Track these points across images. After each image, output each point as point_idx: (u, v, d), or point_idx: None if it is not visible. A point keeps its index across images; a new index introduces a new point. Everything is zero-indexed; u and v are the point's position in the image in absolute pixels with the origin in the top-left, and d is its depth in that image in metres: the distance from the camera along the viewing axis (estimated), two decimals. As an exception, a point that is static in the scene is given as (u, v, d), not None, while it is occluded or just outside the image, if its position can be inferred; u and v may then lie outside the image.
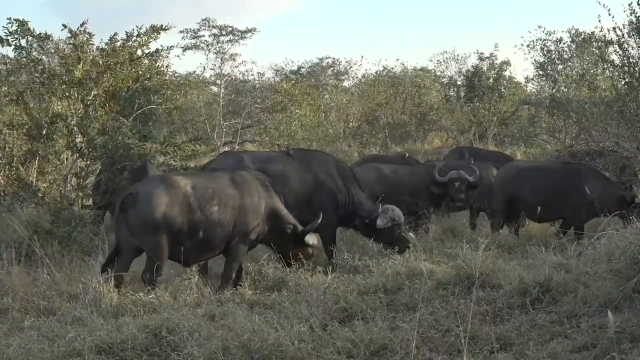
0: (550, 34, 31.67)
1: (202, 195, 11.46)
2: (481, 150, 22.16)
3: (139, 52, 16.11)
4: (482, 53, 37.09)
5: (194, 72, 33.54)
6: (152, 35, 15.89)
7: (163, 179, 11.75)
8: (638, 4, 15.95)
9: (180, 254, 11.35)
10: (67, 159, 14.94)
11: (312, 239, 12.39)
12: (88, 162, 14.52)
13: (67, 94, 15.01)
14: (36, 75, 15.43)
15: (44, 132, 14.33)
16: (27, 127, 14.49)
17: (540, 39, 31.84)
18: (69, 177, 14.80)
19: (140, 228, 11.18)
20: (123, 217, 11.30)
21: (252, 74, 34.19)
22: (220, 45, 30.52)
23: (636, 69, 15.97)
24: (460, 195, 16.42)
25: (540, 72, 33.11)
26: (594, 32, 25.75)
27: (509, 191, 15.33)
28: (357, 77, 41.96)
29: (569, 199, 14.32)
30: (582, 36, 30.53)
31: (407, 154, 18.90)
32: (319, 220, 12.44)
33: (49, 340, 9.19)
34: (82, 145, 14.40)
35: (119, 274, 11.07)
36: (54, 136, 14.44)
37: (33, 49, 15.88)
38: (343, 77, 42.60)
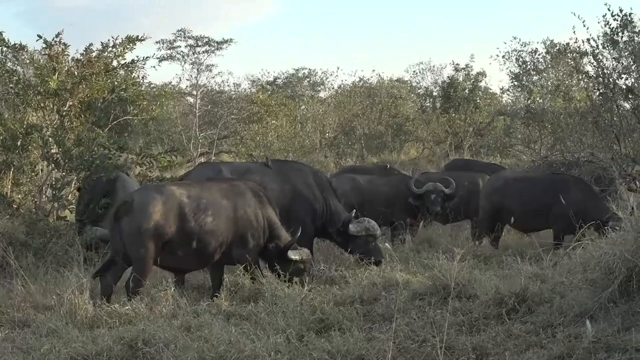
0: (525, 45, 31.84)
1: (197, 206, 11.48)
2: (478, 162, 22.17)
3: (115, 63, 16.08)
4: (457, 64, 37.38)
5: (170, 82, 33.55)
6: (128, 46, 15.85)
7: (158, 188, 11.77)
8: (612, 16, 16.05)
9: (174, 263, 11.50)
10: (42, 170, 14.86)
11: (297, 254, 12.28)
12: (64, 173, 14.45)
13: (42, 104, 14.97)
14: (11, 86, 15.37)
15: (18, 143, 14.24)
16: (1, 138, 14.41)
17: (516, 50, 32.02)
18: (44, 188, 14.72)
19: (131, 236, 11.19)
20: (118, 225, 11.31)
21: (228, 85, 34.26)
22: (196, 56, 30.57)
23: (610, 80, 16.06)
24: (436, 208, 16.47)
25: (516, 83, 33.27)
26: (568, 43, 25.96)
27: (495, 202, 15.35)
28: (333, 88, 42.12)
29: (555, 209, 14.29)
30: (557, 47, 30.72)
31: (388, 165, 18.90)
32: (297, 236, 12.47)
33: (24, 352, 9.15)
34: (58, 156, 14.34)
35: (109, 285, 11.17)
36: (29, 147, 14.37)
37: (8, 60, 15.82)
38: (319, 88, 42.72)
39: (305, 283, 11.29)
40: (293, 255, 12.22)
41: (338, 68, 48.07)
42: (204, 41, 30.35)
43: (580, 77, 20.34)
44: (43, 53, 15.83)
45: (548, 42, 31.83)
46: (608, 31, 16.25)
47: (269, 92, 35.30)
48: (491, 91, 38.22)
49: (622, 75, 16.18)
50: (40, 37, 15.20)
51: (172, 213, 11.29)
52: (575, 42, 17.34)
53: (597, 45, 16.35)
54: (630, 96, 15.57)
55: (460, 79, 37.23)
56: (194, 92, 31.78)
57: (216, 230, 11.60)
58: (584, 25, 16.00)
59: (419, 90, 39.79)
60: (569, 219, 12.88)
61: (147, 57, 16.66)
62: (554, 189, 14.61)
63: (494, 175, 16.77)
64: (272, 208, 12.40)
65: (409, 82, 40.06)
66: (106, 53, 15.80)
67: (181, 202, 11.38)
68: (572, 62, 22.74)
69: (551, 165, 17.64)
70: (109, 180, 14.43)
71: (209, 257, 11.75)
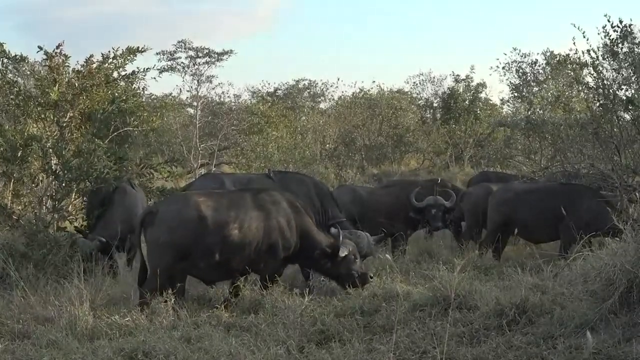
0: (525, 56, 31.82)
1: (223, 218, 11.46)
2: (505, 174, 22.03)
3: (115, 74, 16.07)
4: (458, 75, 37.40)
5: (171, 94, 33.51)
6: (129, 57, 15.85)
7: (184, 199, 11.82)
8: (612, 27, 16.06)
9: (197, 274, 11.70)
10: (42, 181, 14.85)
11: (344, 250, 12.28)
12: (63, 185, 14.45)
13: (42, 116, 14.96)
14: (11, 97, 15.36)
15: (19, 154, 14.23)
16: (2, 149, 14.40)
17: (516, 61, 31.99)
18: (44, 199, 14.71)
19: (151, 246, 11.37)
20: (143, 234, 11.49)
21: (228, 96, 34.21)
22: (196, 67, 30.54)
23: (610, 91, 16.05)
24: (437, 224, 16.36)
25: (516, 94, 33.25)
26: (568, 54, 25.94)
27: (505, 213, 15.27)
28: (333, 99, 42.12)
29: (566, 219, 14.17)
30: (557, 58, 30.60)
31: (440, 179, 18.81)
32: (339, 229, 12.65)
33: (24, 364, 9.14)
34: (57, 167, 14.33)
35: (144, 300, 11.23)
36: (29, 158, 14.36)
37: (8, 71, 15.83)
38: (319, 99, 42.72)
39: (305, 294, 11.29)
40: (343, 252, 12.19)
41: (338, 79, 48.30)
42: (204, 52, 30.34)
43: (580, 88, 20.30)
44: (44, 64, 15.84)
45: (548, 53, 31.83)
46: (608, 42, 16.25)
47: (270, 103, 35.27)
48: (491, 102, 38.24)
49: (622, 87, 16.17)
50: (41, 48, 15.20)
51: (194, 225, 11.32)
52: (575, 53, 17.32)
53: (597, 57, 16.35)
54: (630, 107, 15.56)
55: (461, 90, 37.25)
56: (195, 103, 31.77)
57: (243, 242, 11.55)
58: (584, 37, 16.00)
59: (419, 102, 39.80)
60: (580, 229, 12.84)
61: (147, 69, 16.65)
62: (565, 200, 14.53)
63: (502, 187, 16.65)
64: (307, 216, 12.35)
65: (409, 93, 40.07)
66: (107, 64, 15.78)
67: (205, 214, 11.38)
68: (572, 73, 22.69)
69: (553, 175, 17.59)
70: (107, 191, 14.46)
71: (235, 269, 11.73)
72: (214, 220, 11.39)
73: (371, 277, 12.36)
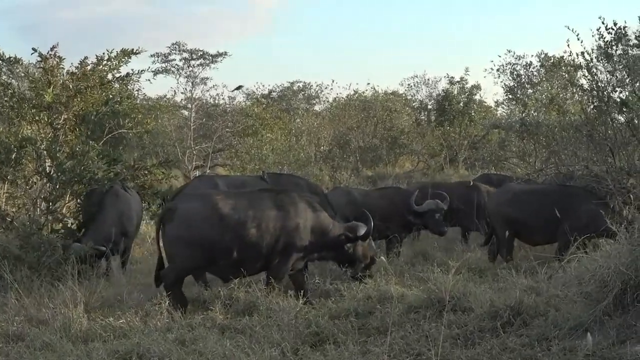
0: (519, 59, 31.90)
1: (241, 216, 11.62)
2: (506, 176, 21.99)
3: (110, 76, 16.07)
4: (452, 77, 37.47)
5: (165, 95, 33.46)
6: (123, 59, 15.85)
7: (203, 197, 11.98)
8: (606, 29, 16.07)
9: (215, 271, 11.88)
10: (36, 183, 14.84)
11: (362, 228, 12.68)
12: (57, 187, 14.43)
13: (36, 118, 14.95)
14: (5, 99, 15.36)
15: (13, 156, 14.22)
16: (-5, 151, 14.38)
17: (510, 64, 32.05)
18: (38, 201, 14.69)
19: (173, 242, 11.52)
20: (163, 231, 11.65)
21: (223, 98, 34.19)
22: (191, 69, 30.53)
23: (605, 93, 16.04)
24: (442, 229, 16.21)
25: (510, 96, 33.30)
26: (563, 56, 26.01)
27: (505, 214, 15.19)
28: (328, 101, 42.15)
29: (566, 221, 14.14)
30: (552, 60, 30.75)
31: (471, 182, 18.76)
32: (371, 223, 12.79)
33: (18, 366, 9.12)
34: (51, 169, 14.32)
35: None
36: (23, 160, 14.35)
37: (2, 73, 15.82)
38: (314, 101, 42.76)
39: (300, 296, 11.29)
40: (361, 230, 12.55)
41: (333, 81, 48.18)
42: (199, 54, 30.34)
43: (574, 91, 20.35)
44: (38, 66, 15.83)
45: (542, 56, 31.89)
46: (602, 44, 16.25)
47: (264, 105, 35.27)
48: (486, 104, 38.31)
49: (617, 89, 16.17)
50: (35, 50, 15.19)
51: (212, 223, 11.48)
52: (570, 55, 17.34)
53: (592, 59, 16.36)
54: (624, 109, 15.55)
55: (455, 92, 37.30)
56: (189, 105, 31.75)
57: (260, 241, 11.70)
58: (578, 39, 16.00)
59: (413, 104, 39.85)
60: (580, 231, 12.81)
61: (142, 71, 16.66)
62: (564, 201, 14.51)
63: (501, 188, 16.60)
64: (325, 213, 12.55)
65: (403, 95, 40.12)
66: (101, 66, 15.79)
67: (224, 213, 11.55)
68: (567, 76, 22.76)
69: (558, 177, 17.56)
70: (99, 193, 14.44)
71: (252, 267, 11.89)
72: (232, 218, 11.56)
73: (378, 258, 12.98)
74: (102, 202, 14.48)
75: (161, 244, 11.95)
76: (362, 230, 12.57)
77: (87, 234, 14.03)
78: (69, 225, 14.45)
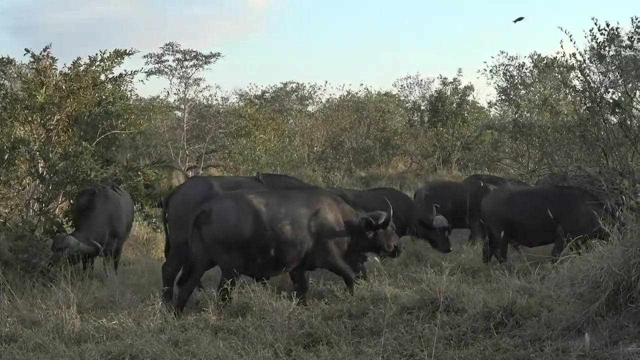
0: (512, 59, 31.96)
1: (275, 215, 11.74)
2: (497, 177, 21.97)
3: (103, 77, 16.02)
4: (445, 78, 37.48)
5: (158, 96, 33.46)
6: (116, 60, 15.80)
7: (237, 197, 12.05)
8: (599, 30, 16.11)
9: (253, 269, 11.88)
10: (28, 184, 14.81)
11: (382, 217, 12.81)
12: (50, 188, 14.41)
13: (29, 118, 14.90)
14: (-2, 100, 15.30)
15: (5, 157, 14.19)
16: (-12, 152, 14.33)
17: (503, 64, 32.11)
18: (31, 202, 14.67)
19: (213, 245, 11.58)
20: (197, 233, 11.65)
21: (216, 99, 34.17)
22: (184, 70, 30.53)
23: (597, 94, 16.09)
24: (449, 247, 15.74)
25: (503, 97, 33.36)
26: (556, 57, 26.06)
27: (501, 215, 15.16)
28: (321, 102, 42.17)
29: (563, 221, 14.11)
30: (545, 61, 30.80)
31: (482, 183, 18.69)
32: (390, 210, 12.95)
33: (10, 367, 9.11)
34: (44, 170, 14.30)
35: (183, 299, 11.74)
36: (16, 161, 14.33)
37: (-5, 74, 15.79)
38: (307, 102, 42.76)
39: (293, 297, 11.29)
40: (381, 218, 12.70)
41: (326, 82, 48.10)
42: (192, 55, 30.33)
43: (567, 91, 20.41)
44: (30, 67, 15.79)
45: (535, 57, 31.94)
46: (595, 45, 16.30)
47: (257, 106, 35.25)
48: (479, 105, 38.34)
49: (609, 90, 16.21)
50: (27, 51, 15.14)
51: (248, 222, 11.58)
52: (563, 56, 17.41)
53: (584, 60, 16.39)
54: (617, 110, 15.58)
55: (448, 93, 37.33)
56: (182, 106, 31.74)
57: (295, 238, 11.81)
58: (571, 40, 16.04)
59: (406, 104, 39.88)
60: (576, 232, 12.82)
61: (135, 71, 16.61)
62: (560, 202, 14.50)
63: (497, 188, 16.56)
64: (348, 206, 12.74)
65: (396, 96, 40.11)
66: (94, 67, 15.74)
67: (258, 211, 11.65)
68: (560, 76, 22.80)
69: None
70: (90, 194, 14.41)
71: (288, 265, 11.97)
72: (267, 216, 11.69)
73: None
74: (91, 204, 14.45)
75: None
76: (382, 218, 12.69)
77: (78, 235, 13.98)
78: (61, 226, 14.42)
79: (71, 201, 15.00)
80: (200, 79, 31.10)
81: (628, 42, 16.15)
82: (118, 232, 14.63)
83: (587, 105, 16.54)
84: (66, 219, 14.82)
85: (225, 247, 11.55)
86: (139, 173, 15.46)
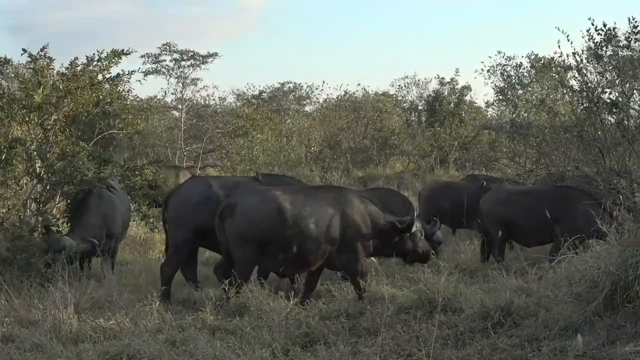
0: (510, 60, 31.91)
1: (299, 212, 11.76)
2: (494, 178, 21.92)
3: (100, 77, 15.99)
4: (443, 78, 37.46)
5: (155, 96, 33.43)
6: (113, 60, 15.77)
7: (262, 193, 12.16)
8: (596, 30, 16.12)
9: (274, 265, 11.94)
10: (26, 184, 14.80)
11: (416, 224, 12.88)
12: (47, 187, 14.39)
13: (26, 118, 14.88)
14: (-5, 100, 15.27)
15: (3, 157, 14.17)
16: (-15, 152, 14.31)
17: (500, 64, 32.07)
18: (28, 202, 14.65)
19: (233, 238, 11.67)
20: (222, 226, 11.79)
21: (213, 99, 34.17)
22: (181, 70, 30.53)
23: (594, 94, 16.10)
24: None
25: (501, 97, 33.34)
26: (553, 57, 26.03)
27: (500, 215, 15.14)
28: (318, 102, 42.12)
29: (561, 222, 14.10)
30: (542, 61, 30.79)
31: (484, 182, 18.62)
32: (414, 213, 13.08)
33: (8, 367, 9.10)
34: (42, 170, 14.29)
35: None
36: (13, 161, 14.31)
37: (-8, 74, 15.76)
38: (305, 102, 42.72)
39: (291, 297, 11.28)
40: (415, 226, 12.75)
41: (324, 82, 48.03)
42: (189, 55, 30.32)
43: (564, 91, 20.41)
44: (28, 67, 15.77)
45: (533, 57, 31.92)
46: (592, 45, 16.31)
47: (255, 106, 35.23)
48: (476, 105, 38.30)
49: (607, 90, 16.23)
50: (25, 51, 15.12)
51: (272, 218, 11.64)
52: (560, 56, 17.42)
53: (582, 60, 16.41)
54: (614, 110, 15.58)
55: (446, 93, 37.31)
56: (180, 106, 31.73)
57: (319, 237, 11.81)
58: (568, 40, 16.05)
59: (404, 104, 39.87)
60: (574, 232, 12.81)
61: (132, 71, 16.58)
62: (559, 202, 14.50)
63: (496, 188, 16.53)
64: (375, 207, 12.70)
65: (394, 96, 40.09)
66: (91, 67, 15.71)
67: (283, 208, 11.69)
68: (557, 77, 22.77)
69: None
70: (84, 193, 14.37)
71: (311, 263, 11.99)
72: (291, 213, 11.71)
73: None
74: (85, 204, 14.35)
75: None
76: (415, 226, 12.74)
77: (73, 235, 13.88)
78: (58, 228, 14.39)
79: (68, 201, 14.97)
80: (197, 79, 31.11)
81: (625, 42, 16.16)
82: (113, 232, 14.52)
83: (585, 105, 16.54)
84: (64, 219, 14.77)
85: (244, 241, 11.63)
86: (137, 172, 15.43)
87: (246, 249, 11.64)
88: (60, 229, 14.38)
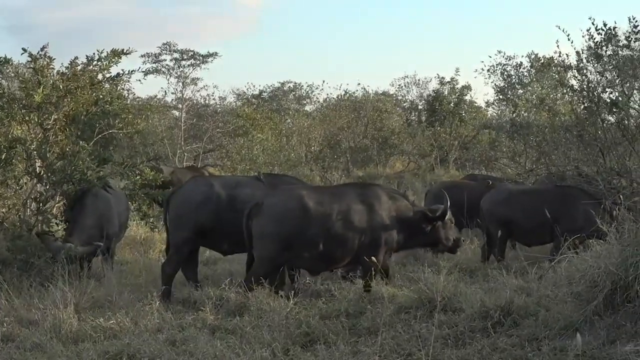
0: (510, 59, 31.98)
1: (326, 211, 11.89)
2: (493, 177, 21.90)
3: (100, 76, 15.99)
4: (443, 77, 37.47)
5: (155, 96, 33.50)
6: (113, 60, 15.76)
7: (289, 192, 12.33)
8: (596, 30, 16.12)
9: (301, 264, 12.21)
10: (26, 183, 14.79)
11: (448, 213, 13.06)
12: (47, 187, 14.39)
13: (26, 118, 14.87)
14: (-5, 99, 15.27)
15: (3, 156, 14.16)
16: (-15, 151, 14.29)
17: (501, 64, 32.14)
18: (28, 202, 14.65)
19: (257, 237, 11.86)
20: (248, 224, 11.94)
21: (213, 98, 34.23)
22: (181, 69, 30.60)
23: (595, 93, 16.10)
24: None
25: (501, 97, 33.40)
26: (553, 57, 26.04)
27: (500, 214, 15.13)
28: (318, 102, 42.15)
29: (562, 221, 14.10)
30: (542, 61, 30.82)
31: (490, 182, 18.59)
32: (447, 202, 13.07)
33: (8, 367, 9.10)
34: (41, 170, 14.29)
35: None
36: (13, 161, 14.31)
37: (-8, 73, 15.76)
38: (305, 102, 42.76)
39: (291, 297, 11.29)
40: (440, 210, 12.86)
41: (323, 81, 48.09)
42: (189, 55, 30.39)
43: (565, 91, 20.38)
44: (28, 66, 15.77)
45: (533, 56, 31.98)
46: (592, 45, 16.31)
47: (255, 106, 35.28)
48: (476, 105, 38.30)
49: (607, 89, 16.23)
50: (25, 50, 15.12)
51: (298, 217, 11.79)
52: (560, 56, 17.41)
53: (582, 59, 16.42)
54: (614, 110, 15.59)
55: (446, 92, 37.30)
56: (180, 106, 31.80)
57: (346, 234, 11.95)
58: (569, 39, 16.06)
59: (404, 104, 39.89)
60: (575, 232, 12.80)
61: (132, 71, 16.56)
62: (560, 202, 14.50)
63: (497, 187, 16.52)
64: (404, 200, 12.84)
65: (394, 95, 40.14)
66: (91, 66, 15.70)
67: (310, 207, 11.83)
68: (557, 76, 22.78)
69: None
70: (80, 193, 14.33)
71: (338, 260, 12.15)
72: (317, 212, 11.85)
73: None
74: (81, 205, 14.27)
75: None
76: (440, 211, 12.84)
77: (71, 237, 13.79)
78: (57, 228, 14.37)
79: (65, 202, 14.93)
80: (197, 79, 31.21)
81: (625, 42, 16.16)
82: (109, 233, 14.38)
83: (585, 104, 16.55)
84: (62, 220, 14.75)
85: (269, 239, 11.79)
86: (136, 170, 15.43)
87: (270, 247, 11.82)
88: (58, 228, 14.36)
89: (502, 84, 32.51)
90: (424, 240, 13.00)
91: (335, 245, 11.93)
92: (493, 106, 36.22)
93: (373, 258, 12.20)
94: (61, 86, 14.95)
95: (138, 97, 31.92)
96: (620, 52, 16.26)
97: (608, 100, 15.75)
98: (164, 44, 30.24)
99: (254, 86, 41.85)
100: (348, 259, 12.18)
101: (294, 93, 42.52)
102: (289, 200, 11.97)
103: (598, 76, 16.48)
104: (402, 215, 12.51)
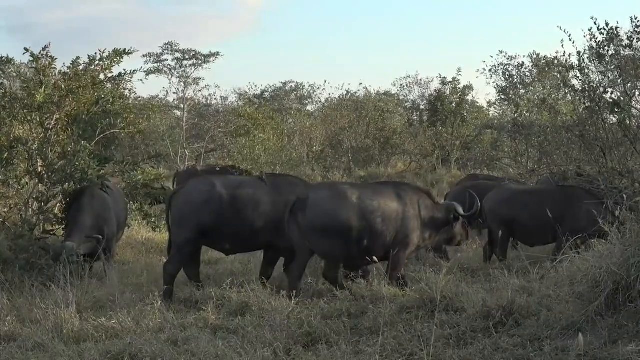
0: (512, 59, 32.01)
1: (368, 207, 12.12)
2: (494, 177, 21.87)
3: (102, 76, 16.00)
4: (444, 78, 37.49)
5: (157, 96, 33.55)
6: (115, 59, 15.77)
7: (332, 187, 12.74)
8: (598, 30, 16.11)
9: (351, 257, 12.25)
10: (27, 183, 14.79)
11: (459, 207, 13.24)
12: (48, 187, 14.39)
13: (28, 118, 14.89)
14: (-3, 99, 15.28)
15: (4, 156, 14.17)
16: (-13, 151, 14.31)
17: (502, 64, 32.16)
18: (30, 201, 14.65)
19: (309, 231, 12.02)
20: (294, 219, 12.09)
21: (215, 98, 34.29)
22: (183, 69, 30.63)
23: (597, 93, 16.08)
24: None
25: (503, 97, 33.42)
26: (555, 57, 26.07)
27: (503, 214, 15.12)
28: (320, 102, 42.22)
29: (566, 222, 14.07)
30: (544, 61, 30.83)
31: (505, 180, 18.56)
32: (478, 202, 13.36)
33: (9, 366, 9.10)
34: (43, 169, 14.29)
35: (294, 285, 12.16)
36: (15, 160, 14.32)
37: (-6, 73, 15.77)
38: (306, 102, 42.81)
39: (292, 296, 11.29)
40: (459, 209, 13.13)
41: (325, 81, 48.12)
42: (191, 54, 30.43)
43: (566, 91, 20.41)
44: (30, 66, 15.78)
45: (534, 56, 31.99)
46: (594, 45, 16.29)
47: (256, 106, 35.32)
48: (478, 105, 38.38)
49: (609, 89, 16.19)
50: (27, 50, 15.13)
51: (342, 211, 11.98)
52: (562, 56, 17.41)
53: (584, 59, 16.40)
54: (616, 110, 15.55)
55: (448, 92, 37.33)
56: (181, 106, 31.83)
57: (384, 230, 12.23)
58: (570, 39, 16.05)
59: (406, 104, 39.95)
60: (577, 232, 12.79)
61: (134, 71, 16.59)
62: (563, 202, 14.49)
63: (499, 188, 16.47)
64: (430, 200, 13.06)
65: (396, 95, 40.20)
66: (93, 66, 15.71)
67: (352, 202, 12.05)
68: (559, 76, 22.80)
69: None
70: (77, 193, 14.30)
71: (374, 255, 12.13)
72: (361, 207, 12.09)
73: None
74: (78, 205, 14.22)
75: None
76: (459, 209, 13.10)
77: (70, 237, 13.74)
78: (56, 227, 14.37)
79: (64, 201, 14.92)
80: (199, 79, 31.25)
81: (627, 42, 16.14)
82: (107, 233, 14.31)
83: (586, 104, 16.52)
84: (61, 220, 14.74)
85: (323, 234, 11.95)
86: (136, 168, 15.43)
87: (326, 239, 12.00)
88: (59, 227, 14.38)
89: (504, 84, 32.55)
90: (444, 236, 13.30)
91: (374, 240, 12.17)
92: (495, 106, 36.29)
93: (374, 258, 12.21)
94: (63, 86, 14.97)
95: (140, 97, 31.99)
96: (622, 52, 16.24)
97: (610, 100, 15.71)
98: (165, 44, 30.34)
99: (255, 86, 42.04)
100: (381, 254, 12.30)
101: (295, 93, 42.59)
102: (334, 195, 12.19)
103: (600, 76, 16.48)
104: (429, 214, 12.79)
